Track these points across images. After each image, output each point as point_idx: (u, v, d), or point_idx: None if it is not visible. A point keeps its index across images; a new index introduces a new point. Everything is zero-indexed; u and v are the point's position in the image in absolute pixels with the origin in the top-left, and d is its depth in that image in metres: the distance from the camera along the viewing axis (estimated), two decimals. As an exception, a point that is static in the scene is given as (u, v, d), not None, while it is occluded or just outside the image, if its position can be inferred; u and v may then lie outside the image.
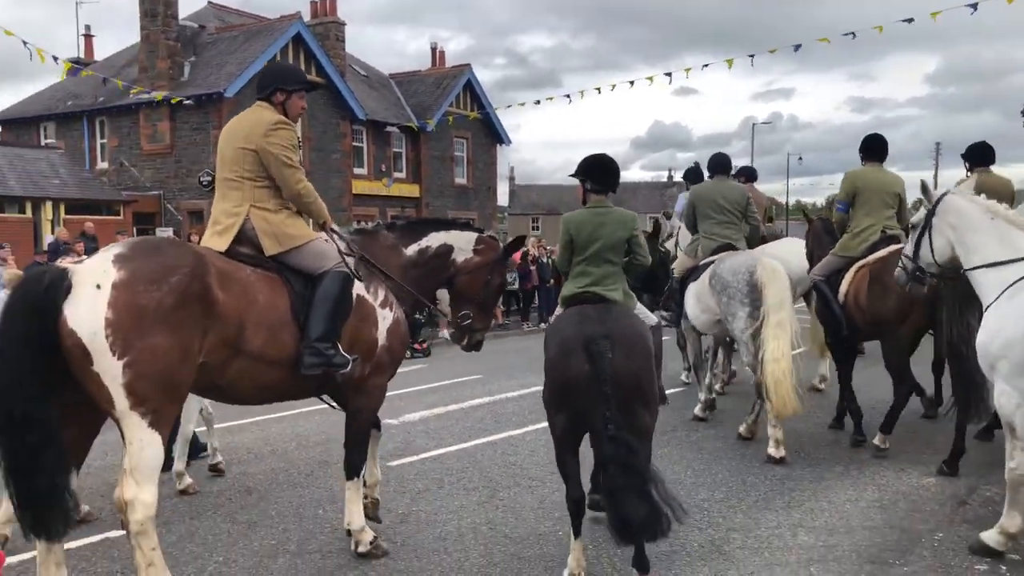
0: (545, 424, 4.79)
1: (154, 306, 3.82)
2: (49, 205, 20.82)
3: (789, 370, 6.60)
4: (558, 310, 4.95)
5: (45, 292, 3.78)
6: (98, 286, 3.79)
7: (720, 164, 8.06)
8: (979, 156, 7.73)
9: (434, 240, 5.40)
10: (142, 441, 3.85)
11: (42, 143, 26.42)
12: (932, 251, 5.39)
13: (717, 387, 9.36)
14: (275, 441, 8.17)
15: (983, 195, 5.35)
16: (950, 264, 5.33)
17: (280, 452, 7.72)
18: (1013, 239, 4.88)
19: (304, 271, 4.53)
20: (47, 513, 3.80)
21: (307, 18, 27.53)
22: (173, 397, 4.00)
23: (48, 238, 17.55)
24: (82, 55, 30.91)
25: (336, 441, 7.90)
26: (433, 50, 34.76)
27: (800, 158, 71.80)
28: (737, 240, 7.71)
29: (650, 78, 17.89)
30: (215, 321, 4.04)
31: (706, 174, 8.51)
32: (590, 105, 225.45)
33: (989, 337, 4.71)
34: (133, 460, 3.86)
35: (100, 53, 31.52)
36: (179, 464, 6.45)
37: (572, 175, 4.97)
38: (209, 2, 30.34)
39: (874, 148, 7.49)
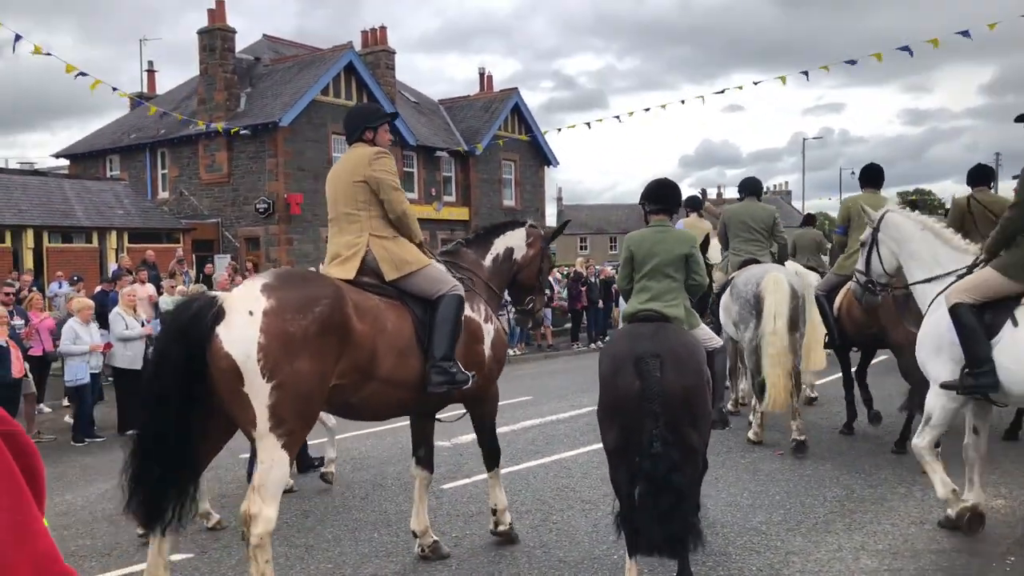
0: (597, 445, 4.78)
1: (300, 333, 4.10)
2: (114, 235, 21.52)
3: (783, 375, 7.34)
4: (620, 326, 5.11)
5: (193, 318, 4.11)
6: (251, 312, 4.09)
7: (749, 186, 8.78)
8: (978, 177, 7.81)
9: (500, 246, 5.81)
10: (273, 461, 4.13)
11: (107, 175, 27.37)
12: (881, 263, 6.11)
13: (729, 406, 9.52)
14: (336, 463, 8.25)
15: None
16: (898, 274, 6.09)
17: (336, 475, 7.81)
18: (939, 255, 5.65)
19: (422, 295, 4.83)
20: (169, 515, 4.23)
21: (358, 47, 28.09)
22: (307, 421, 4.33)
23: (112, 266, 18.12)
24: (145, 90, 32.04)
25: (390, 463, 7.97)
26: (481, 75, 35.12)
27: (853, 172, 70.22)
28: (762, 255, 8.29)
29: (701, 97, 17.90)
30: (351, 348, 4.33)
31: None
32: (637, 125, 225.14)
33: (917, 346, 5.60)
34: (262, 478, 4.13)
35: (162, 87, 32.67)
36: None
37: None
38: (264, 35, 31.20)
39: (871, 176, 8.24)
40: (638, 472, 4.19)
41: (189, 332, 4.10)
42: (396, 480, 7.45)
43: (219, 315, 4.10)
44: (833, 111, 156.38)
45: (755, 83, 28.41)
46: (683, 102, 22.14)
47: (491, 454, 5.50)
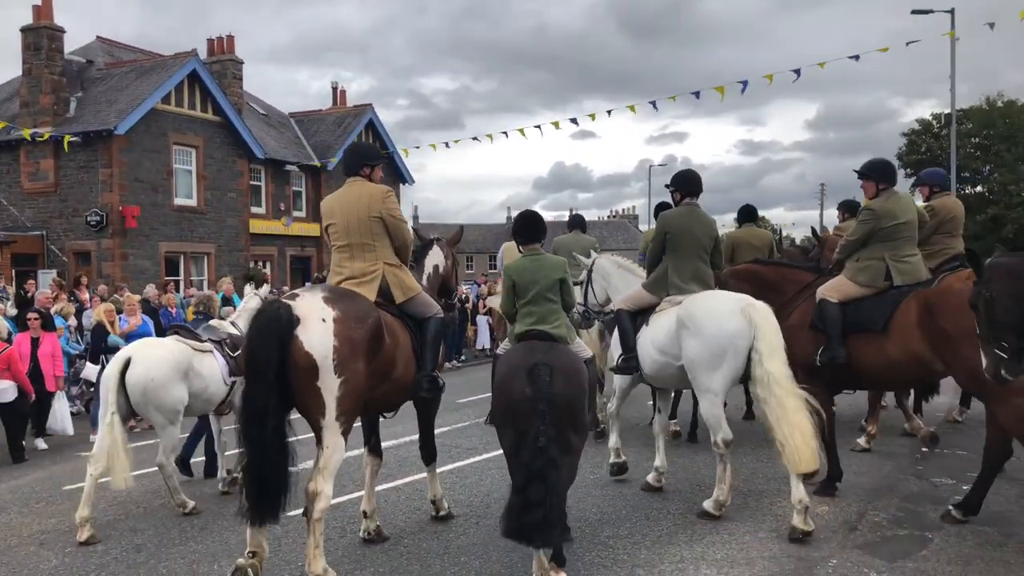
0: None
1: (359, 339, 5.01)
2: (-82, 247, 19.51)
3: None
4: (505, 344, 5.64)
5: (283, 322, 4.83)
6: (323, 320, 4.92)
7: (574, 222, 10.70)
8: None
9: (428, 265, 6.70)
10: (335, 446, 4.94)
11: (-89, 181, 24.79)
12: (595, 295, 8.05)
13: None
14: (166, 493, 7.76)
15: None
16: (608, 303, 7.80)
17: (172, 505, 7.34)
18: (631, 283, 7.48)
19: (415, 316, 5.76)
20: (274, 500, 4.80)
21: (204, 56, 26.96)
22: (358, 413, 5.27)
23: (-84, 282, 16.38)
24: (-42, 88, 29.32)
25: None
26: (334, 89, 34.55)
27: (694, 197, 73.82)
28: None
29: (556, 123, 18.44)
30: (379, 355, 5.24)
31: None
32: (494, 147, 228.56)
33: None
34: (325, 460, 4.90)
35: (-22, 86, 29.99)
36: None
37: (511, 230, 5.83)
38: (99, 36, 29.32)
39: (748, 215, 10.27)
40: (520, 465, 4.67)
41: (279, 332, 4.80)
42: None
43: (295, 321, 4.85)
44: (677, 140, 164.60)
45: (608, 112, 29.30)
46: (539, 127, 22.61)
47: (431, 451, 6.39)
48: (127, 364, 6.87)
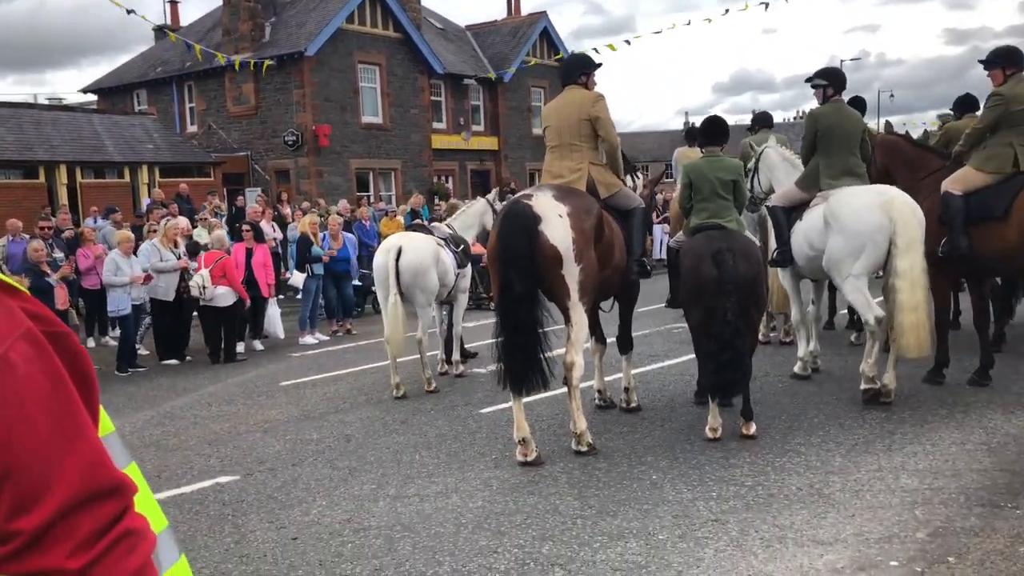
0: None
1: (590, 229, 5.57)
2: (145, 169, 21.61)
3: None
4: (679, 237, 6.66)
5: (529, 219, 5.41)
6: (560, 216, 5.47)
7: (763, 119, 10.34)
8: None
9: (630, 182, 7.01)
10: (580, 322, 5.61)
11: (135, 110, 27.36)
12: (760, 184, 7.98)
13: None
14: (369, 391, 8.39)
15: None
16: (771, 192, 7.79)
17: (375, 401, 7.94)
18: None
19: (620, 208, 6.22)
20: (532, 374, 5.48)
21: (382, -28, 27.46)
22: (595, 292, 5.85)
23: (146, 200, 18.26)
24: (169, 21, 31.71)
25: (425, 392, 8.06)
26: (508, -1, 34.26)
27: (892, 95, 67.82)
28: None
29: (727, 10, 16.92)
30: (603, 242, 5.75)
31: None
32: (668, 51, 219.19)
33: None
34: (575, 334, 5.59)
35: (185, 19, 32.32)
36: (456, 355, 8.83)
37: (688, 133, 6.55)
38: (287, -38, 30.55)
39: (966, 104, 9.07)
40: (712, 335, 5.59)
41: (527, 228, 5.39)
42: (435, 406, 7.55)
43: (538, 218, 5.42)
44: (869, 31, 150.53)
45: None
46: (709, 20, 21.11)
47: (627, 341, 6.86)
48: (399, 252, 7.84)
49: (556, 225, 5.44)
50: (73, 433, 1.00)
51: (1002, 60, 6.85)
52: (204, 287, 10.37)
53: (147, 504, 1.18)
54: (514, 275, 5.41)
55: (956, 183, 6.83)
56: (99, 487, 1.01)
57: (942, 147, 8.37)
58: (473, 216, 9.22)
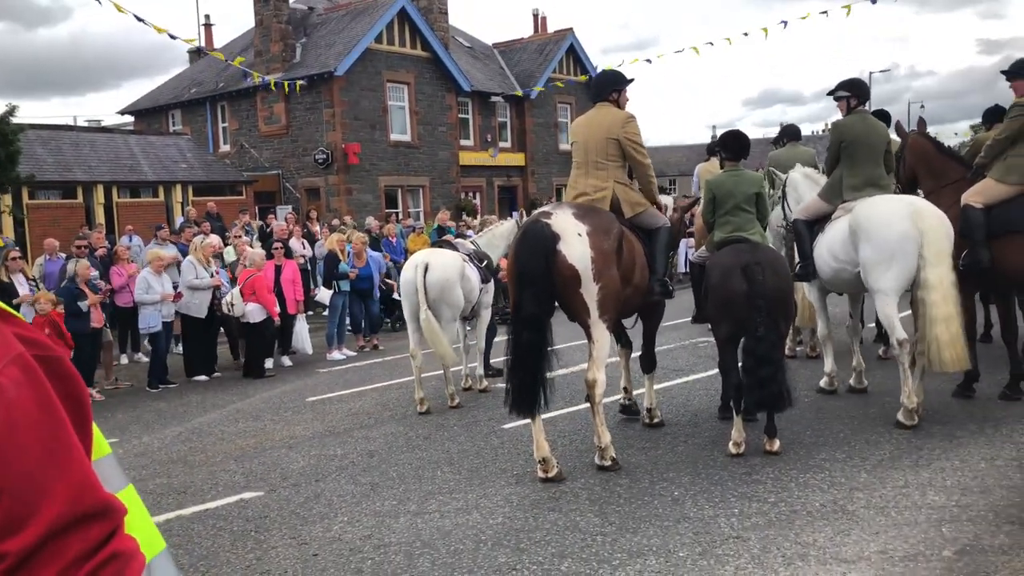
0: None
1: (610, 249, 5.56)
2: (179, 188, 22.01)
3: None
4: (702, 252, 6.78)
5: (547, 238, 5.41)
6: (579, 235, 5.45)
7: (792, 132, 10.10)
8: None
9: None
10: (602, 340, 5.60)
11: (170, 130, 27.90)
12: (790, 209, 7.89)
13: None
14: (394, 406, 8.43)
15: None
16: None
17: (399, 416, 7.98)
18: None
19: (645, 227, 6.18)
20: (535, 396, 5.40)
21: (411, -8, 27.79)
22: (616, 311, 5.78)
23: (179, 219, 18.57)
24: (203, 44, 32.35)
25: (449, 407, 8.08)
26: (535, 17, 34.48)
27: (922, 106, 66.91)
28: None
29: (765, 29, 16.88)
30: (623, 261, 5.72)
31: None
32: (696, 65, 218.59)
33: None
34: (597, 352, 5.58)
35: (219, 41, 32.93)
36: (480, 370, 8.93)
37: (710, 148, 6.55)
38: (317, -17, 31.06)
39: (995, 115, 8.69)
40: (747, 352, 5.64)
41: (544, 247, 5.38)
42: (458, 422, 7.57)
43: (556, 237, 5.41)
44: (899, 42, 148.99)
45: (822, 12, 26.82)
46: (746, 34, 21.07)
47: (651, 360, 6.82)
48: (427, 268, 7.94)
49: (575, 244, 5.43)
50: (62, 457, 1.01)
51: None
52: (233, 303, 10.52)
53: (142, 526, 1.20)
54: (528, 296, 5.42)
55: (977, 195, 6.74)
56: (86, 510, 1.02)
57: (970, 158, 8.26)
58: (500, 237, 9.33)
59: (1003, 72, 7.01)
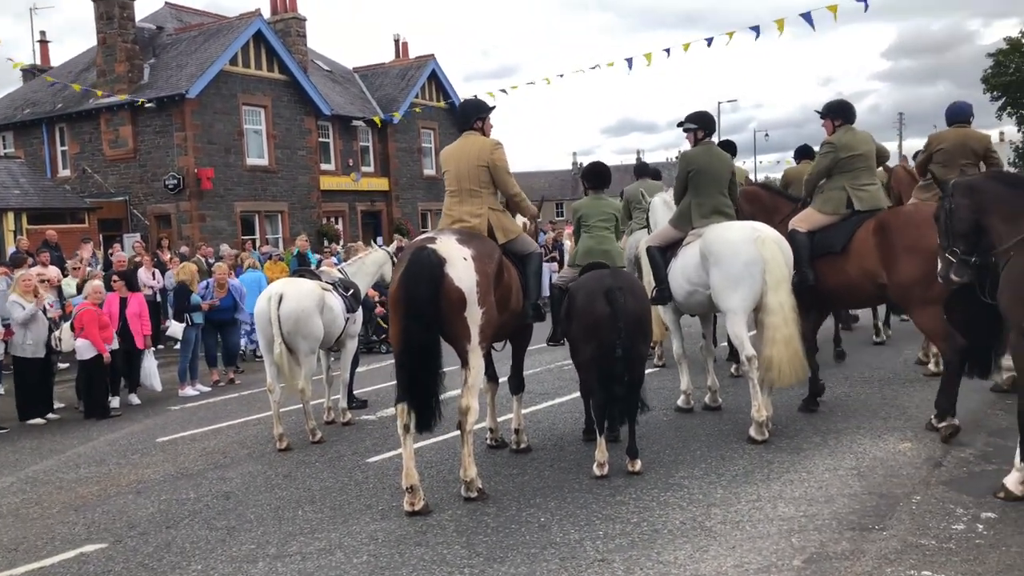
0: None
1: (492, 273, 5.69)
2: (11, 215, 20.42)
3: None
4: (564, 273, 7.53)
5: (433, 263, 5.40)
6: (465, 259, 5.53)
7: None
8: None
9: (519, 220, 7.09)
10: (478, 366, 5.70)
11: (1, 153, 25.89)
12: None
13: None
14: (252, 444, 8.07)
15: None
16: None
17: (257, 454, 7.64)
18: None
19: (517, 253, 6.35)
20: (430, 416, 5.46)
21: (267, 15, 27.13)
22: (492, 337, 5.92)
23: (10, 249, 17.18)
24: (39, 62, 30.32)
25: (311, 443, 7.81)
26: (396, 42, 34.43)
27: (767, 135, 71.83)
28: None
29: (611, 63, 17.56)
30: (502, 286, 5.89)
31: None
32: (557, 95, 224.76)
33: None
34: (472, 378, 5.62)
35: (56, 60, 30.97)
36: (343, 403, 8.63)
37: (580, 176, 7.28)
38: (166, 3, 29.76)
39: (803, 152, 10.74)
40: (609, 373, 5.84)
41: (431, 271, 5.37)
42: (320, 457, 7.32)
43: (443, 260, 5.44)
44: (747, 75, 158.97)
45: (686, 45, 28.10)
46: (611, 64, 21.61)
47: (519, 382, 6.92)
48: (280, 299, 7.69)
49: (461, 268, 5.49)
50: None
51: (833, 112, 7.47)
52: (61, 338, 9.86)
53: None
54: (415, 323, 5.39)
55: (802, 222, 7.37)
56: None
57: (783, 188, 9.89)
58: (372, 265, 9.20)
59: (817, 111, 7.69)
